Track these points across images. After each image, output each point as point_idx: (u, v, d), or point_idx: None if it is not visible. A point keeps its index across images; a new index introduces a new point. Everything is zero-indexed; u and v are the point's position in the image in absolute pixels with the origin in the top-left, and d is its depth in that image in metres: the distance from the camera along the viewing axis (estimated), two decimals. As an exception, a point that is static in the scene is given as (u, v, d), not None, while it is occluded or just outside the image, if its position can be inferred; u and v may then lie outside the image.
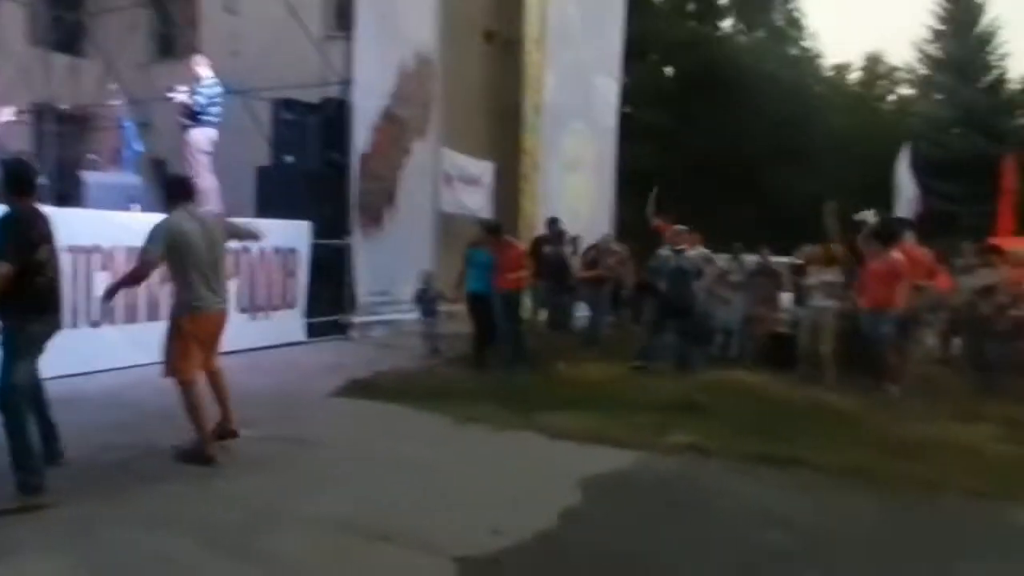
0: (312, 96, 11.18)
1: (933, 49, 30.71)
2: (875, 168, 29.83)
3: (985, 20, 29.87)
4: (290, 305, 9.97)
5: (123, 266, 7.14)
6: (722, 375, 8.49)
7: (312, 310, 10.22)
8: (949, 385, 8.84)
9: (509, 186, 14.73)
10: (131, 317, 7.83)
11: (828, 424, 6.64)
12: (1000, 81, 30.36)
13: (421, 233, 12.15)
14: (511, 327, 8.69)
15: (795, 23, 31.18)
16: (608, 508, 4.56)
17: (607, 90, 18.33)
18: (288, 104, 11.00)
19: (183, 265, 5.00)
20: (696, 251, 9.91)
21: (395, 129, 11.63)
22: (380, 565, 3.72)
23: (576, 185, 16.90)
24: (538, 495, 4.58)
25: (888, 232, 8.91)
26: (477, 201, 13.96)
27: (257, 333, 9.25)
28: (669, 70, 30.50)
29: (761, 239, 11.50)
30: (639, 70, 25.08)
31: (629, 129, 20.08)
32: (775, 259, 11.02)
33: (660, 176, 25.04)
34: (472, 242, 9.16)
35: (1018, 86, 32.50)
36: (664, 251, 9.37)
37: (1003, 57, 29.98)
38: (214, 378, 5.38)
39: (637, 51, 22.68)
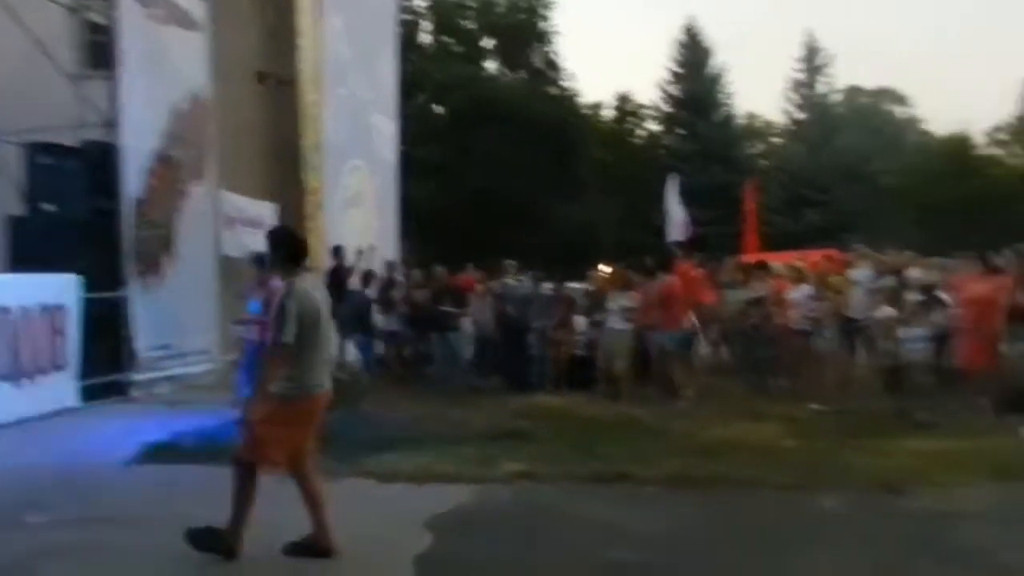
0: (69, 139, 10.21)
1: (673, 89, 33.98)
2: (635, 197, 32.47)
3: (713, 62, 33.60)
4: (59, 367, 8.95)
5: None
6: (533, 400, 8.75)
7: (86, 371, 9.24)
8: (728, 390, 9.74)
9: (292, 226, 14.28)
10: None
11: (639, 437, 7.06)
12: (730, 116, 34.22)
13: (203, 279, 11.44)
14: None
15: (553, 65, 33.19)
16: (461, 546, 4.53)
17: (385, 128, 18.42)
18: (44, 148, 9.95)
19: (308, 343, 4.15)
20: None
21: (171, 172, 10.91)
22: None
23: (358, 220, 16.77)
24: (388, 543, 4.45)
25: (663, 259, 9.72)
26: (260, 242, 13.37)
27: (23, 402, 8.22)
28: (440, 109, 31.22)
29: (540, 265, 12.13)
30: (411, 108, 25.48)
31: (409, 167, 20.31)
32: (570, 285, 11.57)
33: (438, 212, 25.74)
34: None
35: (743, 121, 36.83)
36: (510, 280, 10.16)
37: (730, 96, 33.86)
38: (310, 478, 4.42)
39: (408, 90, 23.05)
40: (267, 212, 13.82)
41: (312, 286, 4.33)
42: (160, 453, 6.80)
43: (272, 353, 4.16)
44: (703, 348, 11.44)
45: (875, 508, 5.05)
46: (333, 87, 15.52)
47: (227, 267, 11.86)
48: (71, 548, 4.55)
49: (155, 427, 7.79)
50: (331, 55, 15.41)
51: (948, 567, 4.08)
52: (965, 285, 8.86)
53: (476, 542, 4.61)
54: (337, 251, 11.98)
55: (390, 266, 12.64)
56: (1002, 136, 44.54)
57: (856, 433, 7.06)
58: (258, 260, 8.23)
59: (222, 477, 5.97)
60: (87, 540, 4.72)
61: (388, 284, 11.63)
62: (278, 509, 4.37)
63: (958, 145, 37.10)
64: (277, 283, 7.73)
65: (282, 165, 14.51)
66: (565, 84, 33.25)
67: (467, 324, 10.75)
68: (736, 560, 4.25)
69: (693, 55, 33.58)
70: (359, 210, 16.80)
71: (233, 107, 12.88)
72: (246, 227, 13.10)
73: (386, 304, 11.29)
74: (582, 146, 31.37)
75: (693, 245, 12.56)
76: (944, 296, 9.05)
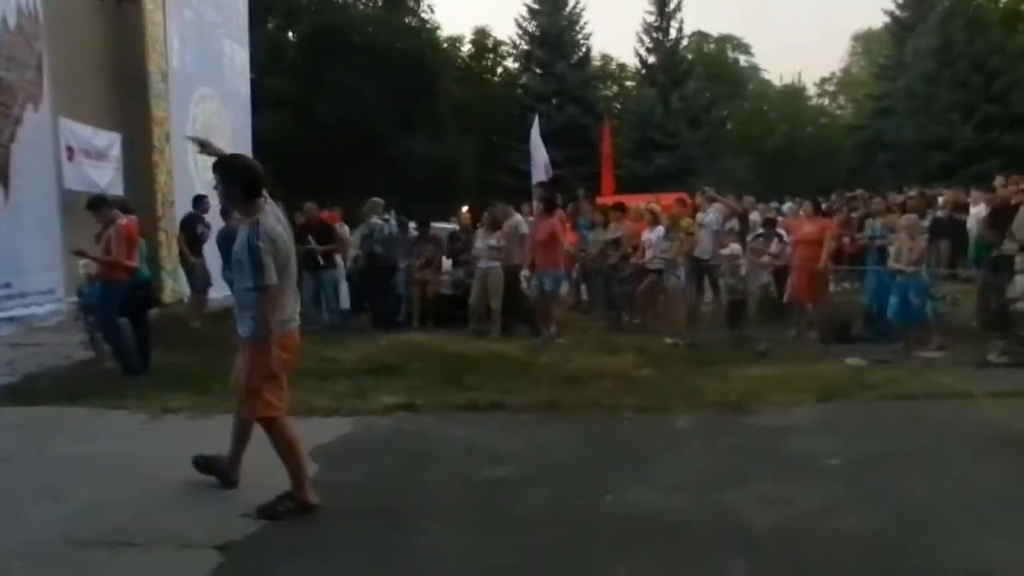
0: None
1: (531, 26, 34.08)
2: (492, 135, 32.61)
3: (570, 2, 33.87)
4: None
5: None
6: (401, 338, 8.92)
7: (-86, 313, 8.56)
8: (587, 325, 10.29)
9: (139, 159, 13.51)
10: None
11: (507, 370, 7.40)
12: (587, 57, 34.77)
13: (44, 214, 10.70)
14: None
15: (410, -6, 32.42)
16: (346, 472, 4.70)
17: (236, 56, 17.55)
18: None
19: (280, 279, 3.96)
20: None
21: (2, 95, 10.04)
22: (136, 569, 3.47)
23: (211, 158, 16.04)
24: (273, 473, 4.54)
25: (550, 202, 9.99)
26: (105, 176, 12.61)
27: None
28: (291, 35, 29.96)
29: (397, 203, 12.18)
30: (261, 35, 24.32)
31: (258, 97, 19.52)
32: (436, 225, 11.69)
33: (290, 146, 24.89)
34: None
35: (600, 62, 37.52)
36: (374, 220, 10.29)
37: (588, 36, 34.38)
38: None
39: (257, 16, 21.99)
40: (113, 142, 12.99)
41: (275, 220, 4.08)
42: (12, 395, 6.51)
43: (268, 297, 3.92)
44: (564, 287, 11.97)
45: (721, 425, 5.63)
46: (179, 8, 14.64)
47: (71, 202, 11.14)
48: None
49: (1, 369, 7.43)
50: (175, -28, 14.49)
51: (781, 470, 4.66)
52: (797, 226, 9.74)
53: (361, 468, 4.80)
54: (199, 201, 11.27)
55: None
56: (830, 88, 47.91)
57: (704, 362, 7.73)
58: (94, 203, 7.65)
59: (92, 416, 5.90)
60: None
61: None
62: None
63: (792, 95, 39.51)
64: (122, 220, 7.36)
65: (125, 93, 13.58)
66: (423, 15, 32.67)
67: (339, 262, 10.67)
68: (600, 471, 4.67)
69: (552, -8, 33.76)
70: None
71: (69, 26, 11.91)
72: (90, 159, 12.30)
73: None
74: (439, 81, 31.06)
75: (554, 186, 12.93)
76: (782, 232, 9.91)
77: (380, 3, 31.99)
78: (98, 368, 7.64)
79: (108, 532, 3.77)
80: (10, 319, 9.78)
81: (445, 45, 34.99)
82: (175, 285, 12.79)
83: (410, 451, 5.13)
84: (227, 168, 4.17)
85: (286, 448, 4.12)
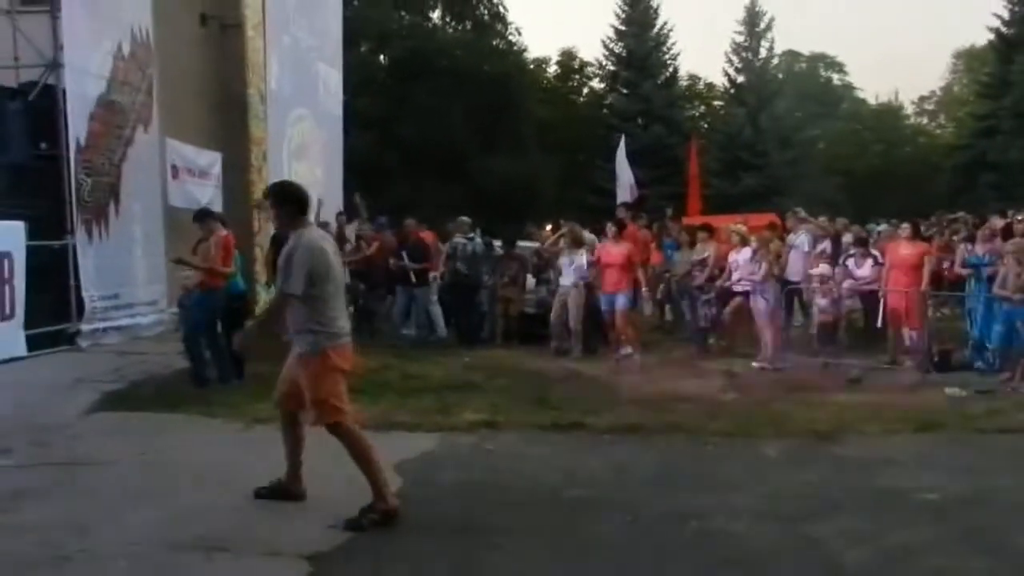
0: (5, 79, 9.89)
1: (618, 47, 34.06)
2: (577, 154, 32.66)
3: (660, 21, 33.74)
4: (7, 316, 8.80)
5: None
6: (485, 355, 9.00)
7: (31, 320, 9.10)
8: (672, 347, 10.17)
9: (236, 177, 14.10)
10: None
11: (589, 390, 7.39)
12: (673, 77, 34.51)
13: (151, 229, 11.28)
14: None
15: (498, 17, 32.89)
16: (428, 488, 4.76)
17: (330, 78, 18.14)
18: (-22, 88, 9.61)
19: (326, 293, 4.22)
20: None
21: (115, 117, 10.64)
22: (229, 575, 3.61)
23: (304, 173, 16.58)
24: (361, 485, 4.65)
25: (622, 224, 9.98)
26: (206, 194, 13.21)
27: (-30, 351, 8.10)
28: (382, 59, 30.75)
29: (480, 222, 12.31)
30: (353, 58, 25.04)
31: (348, 118, 20.07)
32: (521, 243, 11.78)
33: (377, 164, 25.51)
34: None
35: (687, 82, 37.22)
36: (459, 239, 10.44)
37: (675, 56, 34.13)
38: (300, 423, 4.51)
39: (351, 39, 22.65)
40: (214, 161, 13.60)
41: (320, 236, 4.41)
42: (120, 401, 6.85)
43: (279, 301, 4.27)
44: (648, 307, 11.86)
45: (809, 454, 5.47)
46: (277, 33, 15.23)
47: (174, 218, 11.71)
48: (43, 489, 4.65)
49: (110, 376, 7.82)
50: (275, 1, 15.09)
51: (872, 504, 4.48)
52: (893, 249, 9.39)
53: (442, 483, 4.86)
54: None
55: (342, 217, 12.60)
56: (929, 106, 46.14)
57: (792, 388, 7.52)
58: (200, 215, 8.12)
59: (177, 423, 6.16)
60: (57, 480, 4.83)
61: (339, 238, 11.65)
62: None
63: (888, 114, 38.24)
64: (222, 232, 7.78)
65: (227, 114, 14.20)
66: (510, 38, 33.05)
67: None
68: (683, 496, 4.60)
69: (638, 13, 33.66)
70: (304, 163, 16.59)
71: (176, 51, 12.56)
72: (194, 177, 12.91)
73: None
74: (524, 102, 31.31)
75: (639, 206, 12.87)
76: (876, 254, 9.59)
77: (469, 27, 32.55)
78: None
79: (203, 537, 3.93)
80: (117, 328, 10.29)
81: (531, 67, 35.29)
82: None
83: (492, 469, 5.17)
84: (278, 193, 4.52)
85: (360, 454, 4.23)
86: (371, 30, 28.93)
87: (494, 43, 32.05)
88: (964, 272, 9.20)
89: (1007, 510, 4.39)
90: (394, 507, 4.16)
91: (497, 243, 11.28)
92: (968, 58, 42.10)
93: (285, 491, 4.51)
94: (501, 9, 32.79)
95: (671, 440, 5.75)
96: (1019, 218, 13.40)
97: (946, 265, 10.25)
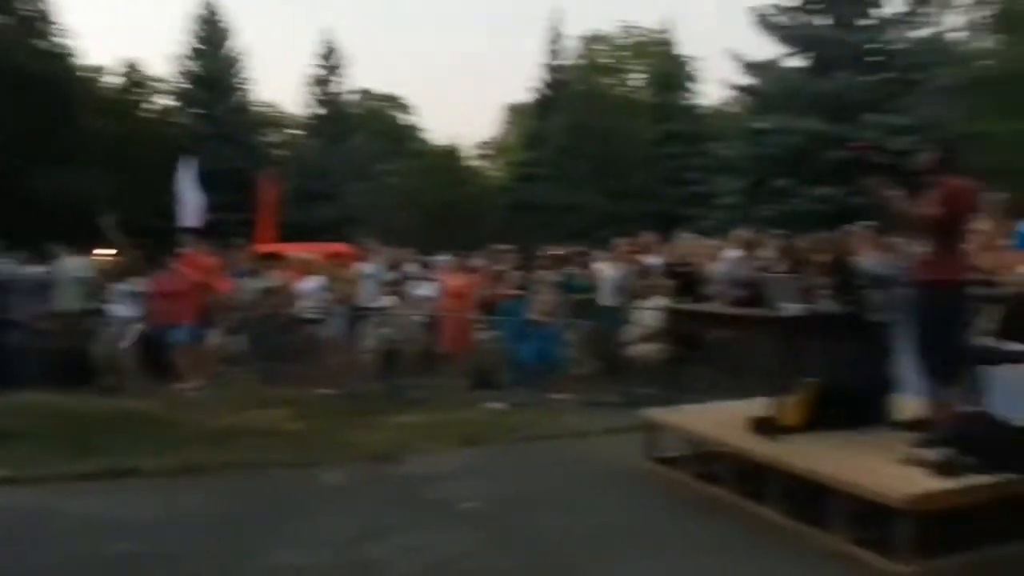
0: None
1: (189, 64, 32.37)
2: (142, 173, 30.12)
3: (232, 43, 32.81)
4: None
5: None
6: (23, 398, 7.79)
7: None
8: (240, 378, 9.84)
9: None
10: None
11: (145, 429, 6.80)
12: (248, 102, 33.82)
13: None
14: None
15: (44, 16, 29.12)
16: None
17: None
18: None
19: None
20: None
21: None
22: None
23: None
24: None
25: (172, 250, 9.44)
26: None
27: None
28: None
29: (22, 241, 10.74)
30: None
31: None
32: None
33: None
34: None
35: (265, 108, 36.79)
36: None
37: (248, 80, 33.46)
38: None
39: None
40: None
41: None
42: None
43: None
44: (217, 337, 11.32)
45: (368, 476, 5.68)
46: None
47: None
48: None
49: None
50: None
51: (422, 518, 4.81)
52: (448, 278, 10.28)
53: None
54: None
55: None
56: (486, 151, 51.74)
57: (356, 412, 7.76)
58: None
59: None
60: None
61: None
62: None
63: (450, 155, 41.98)
64: None
65: None
66: (59, 40, 29.37)
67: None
68: (240, 535, 4.46)
69: (212, 32, 32.43)
70: None
71: None
72: None
73: None
74: (76, 111, 28.07)
75: (207, 232, 12.26)
76: (437, 280, 10.38)
77: (12, 21, 28.28)
78: None
79: None
80: None
81: (89, 74, 31.82)
82: None
83: (14, 532, 4.45)
84: None
85: None
86: None
87: (37, 43, 28.26)
88: (512, 294, 10.40)
89: (539, 510, 4.98)
90: None
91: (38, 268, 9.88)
92: (517, 112, 48.03)
93: None
94: (46, 7, 29.10)
95: (231, 477, 5.55)
96: (553, 253, 15.64)
97: (495, 292, 11.47)
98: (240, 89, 33.33)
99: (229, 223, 22.29)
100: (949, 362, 4.68)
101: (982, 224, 5.58)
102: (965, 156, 5.18)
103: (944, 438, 4.37)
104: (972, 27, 27.93)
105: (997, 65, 24.83)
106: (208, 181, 21.72)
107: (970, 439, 4.25)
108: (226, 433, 6.70)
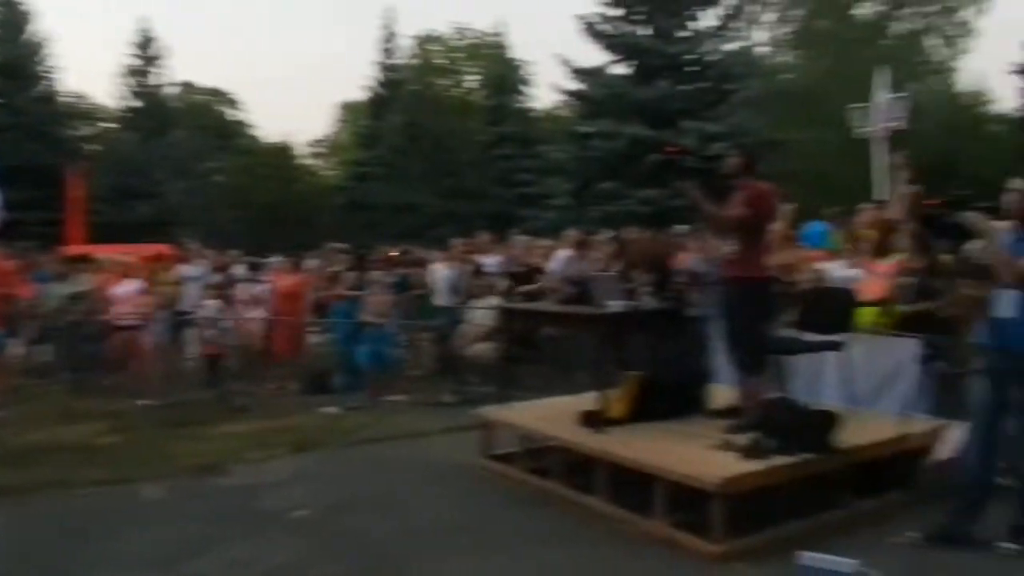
0: None
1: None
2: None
3: (36, 29, 30.20)
4: None
5: None
6: None
7: None
8: (46, 391, 9.08)
9: None
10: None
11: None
12: (53, 92, 31.19)
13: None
14: None
15: None
16: None
17: None
18: None
19: None
20: None
21: None
22: None
23: None
24: None
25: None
26: None
27: None
28: None
29: None
30: None
31: None
32: None
33: None
34: None
35: (70, 98, 34.08)
36: None
37: (56, 69, 30.89)
38: None
39: None
40: None
41: None
42: None
43: None
44: (19, 347, 10.38)
45: (191, 490, 5.40)
46: None
47: None
48: None
49: None
50: None
51: (250, 530, 4.63)
52: (278, 279, 9.95)
53: None
54: None
55: None
56: (319, 150, 50.49)
57: (179, 422, 7.35)
58: None
59: None
60: None
61: None
62: None
63: (281, 153, 40.59)
64: None
65: None
66: None
67: None
68: (49, 561, 4.13)
69: (12, 15, 29.66)
70: None
71: None
72: None
73: None
74: None
75: (6, 232, 11.20)
76: (267, 282, 10.00)
77: None
78: None
79: None
80: None
81: None
82: None
83: None
84: None
85: None
86: None
87: None
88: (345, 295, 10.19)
89: (372, 513, 4.93)
90: None
91: None
92: (350, 110, 47.17)
93: None
94: None
95: (37, 499, 5.10)
96: (388, 255, 15.50)
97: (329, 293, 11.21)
98: (45, 78, 30.72)
99: (32, 223, 20.53)
100: (756, 353, 5.06)
101: (777, 224, 6.04)
102: (767, 162, 5.62)
103: (752, 423, 4.73)
104: (776, 43, 30.42)
105: (796, 79, 27.19)
106: (7, 177, 19.93)
107: (773, 423, 4.62)
108: (31, 451, 6.16)
